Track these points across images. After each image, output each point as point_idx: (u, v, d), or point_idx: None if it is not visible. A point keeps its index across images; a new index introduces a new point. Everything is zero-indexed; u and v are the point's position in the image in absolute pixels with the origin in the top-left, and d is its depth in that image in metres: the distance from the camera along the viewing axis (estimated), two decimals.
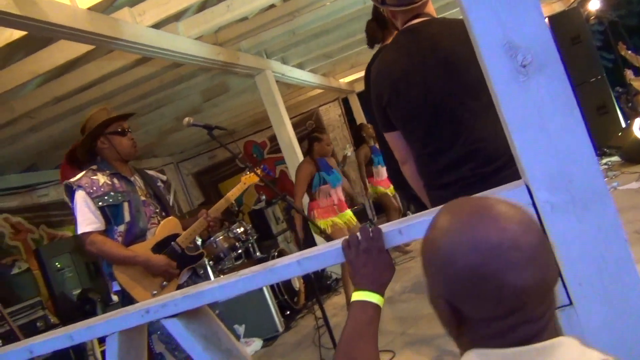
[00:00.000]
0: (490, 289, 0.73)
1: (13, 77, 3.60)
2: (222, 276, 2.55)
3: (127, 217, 2.60)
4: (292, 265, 1.33)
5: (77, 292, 4.73)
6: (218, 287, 1.40)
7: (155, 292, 2.57)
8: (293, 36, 5.17)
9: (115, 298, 4.95)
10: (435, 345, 3.02)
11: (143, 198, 2.72)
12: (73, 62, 3.67)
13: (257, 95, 5.44)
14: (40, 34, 3.00)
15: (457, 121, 1.77)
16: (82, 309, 4.31)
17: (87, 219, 2.53)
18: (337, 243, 1.29)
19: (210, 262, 4.69)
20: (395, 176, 2.87)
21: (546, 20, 7.41)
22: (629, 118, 6.61)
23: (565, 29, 7.16)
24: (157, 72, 4.64)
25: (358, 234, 1.23)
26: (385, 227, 1.27)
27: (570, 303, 1.15)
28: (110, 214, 2.57)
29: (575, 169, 1.14)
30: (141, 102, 5.40)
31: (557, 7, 7.67)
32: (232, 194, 3.00)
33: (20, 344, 1.68)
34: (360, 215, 7.13)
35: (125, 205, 2.61)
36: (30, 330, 4.00)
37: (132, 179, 2.74)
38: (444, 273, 0.78)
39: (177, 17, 3.82)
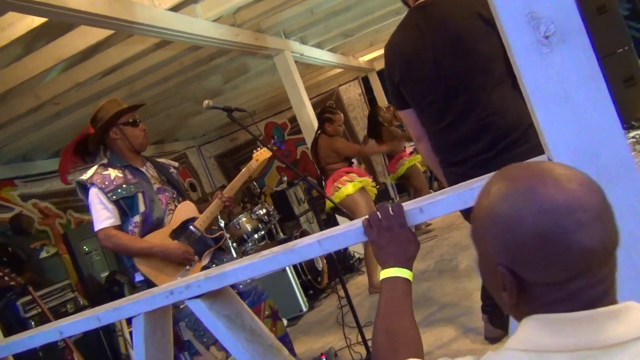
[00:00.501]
0: (558, 250, 0.71)
1: (36, 64, 3.65)
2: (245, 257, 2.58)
3: (142, 208, 2.60)
4: (313, 245, 1.33)
5: (105, 274, 4.83)
6: (240, 267, 1.41)
7: (180, 277, 2.59)
8: (311, 15, 5.13)
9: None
10: (459, 323, 3.02)
11: (158, 185, 2.72)
12: (94, 47, 3.70)
13: (277, 76, 5.43)
14: (60, 20, 3.03)
15: (469, 96, 1.77)
16: (110, 291, 4.40)
17: (101, 215, 2.54)
18: (358, 222, 1.29)
19: (234, 244, 4.74)
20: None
21: None
22: None
23: None
24: (176, 56, 4.65)
25: (378, 212, 1.22)
26: (406, 205, 1.26)
27: None
28: (125, 206, 2.58)
29: (601, 143, 1.11)
30: (162, 85, 5.43)
31: None
32: (244, 172, 3.00)
33: (51, 325, 1.73)
34: (382, 195, 7.12)
35: (140, 195, 2.61)
36: (61, 312, 4.11)
37: (143, 169, 2.73)
38: (507, 238, 0.75)
39: None
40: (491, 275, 0.79)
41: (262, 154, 3.07)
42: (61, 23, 3.21)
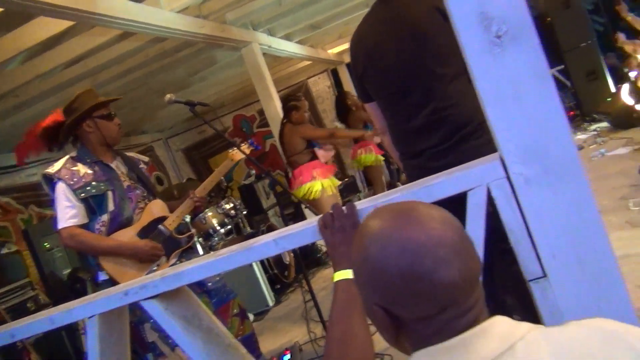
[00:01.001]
0: (423, 287, 0.75)
1: None
2: (211, 252, 2.55)
3: (111, 206, 2.53)
4: (269, 244, 1.32)
5: (67, 271, 4.73)
6: (197, 267, 1.39)
7: (155, 267, 2.57)
8: (279, 7, 5.08)
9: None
10: None
11: (127, 183, 2.65)
12: (55, 38, 3.60)
13: (245, 68, 5.37)
14: (19, 10, 2.93)
15: (427, 88, 1.80)
16: (72, 288, 4.31)
17: (66, 213, 2.45)
18: (314, 221, 1.29)
19: (200, 239, 4.70)
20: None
21: None
22: (619, 83, 6.58)
23: None
24: (140, 47, 4.56)
25: (331, 212, 1.22)
26: (359, 204, 1.26)
27: (544, 275, 1.16)
28: (94, 204, 2.50)
29: (549, 141, 1.13)
30: (127, 77, 5.32)
31: None
32: (219, 171, 2.95)
33: (2, 328, 1.68)
34: (351, 187, 7.13)
35: (109, 194, 2.54)
36: (22, 311, 4.02)
37: (113, 165, 2.66)
38: (376, 279, 0.79)
39: None
40: (372, 314, 0.83)
41: (238, 154, 3.03)
42: (21, 13, 3.11)
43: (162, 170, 9.08)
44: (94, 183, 2.51)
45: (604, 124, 6.57)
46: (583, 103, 7.28)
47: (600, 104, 6.65)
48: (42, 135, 2.59)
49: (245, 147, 3.03)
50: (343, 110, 5.95)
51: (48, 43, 3.69)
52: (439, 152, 1.80)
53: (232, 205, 4.93)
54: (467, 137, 1.74)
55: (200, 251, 4.45)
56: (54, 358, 3.71)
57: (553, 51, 7.42)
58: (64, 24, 3.37)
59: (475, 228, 1.23)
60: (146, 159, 2.93)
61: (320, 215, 1.25)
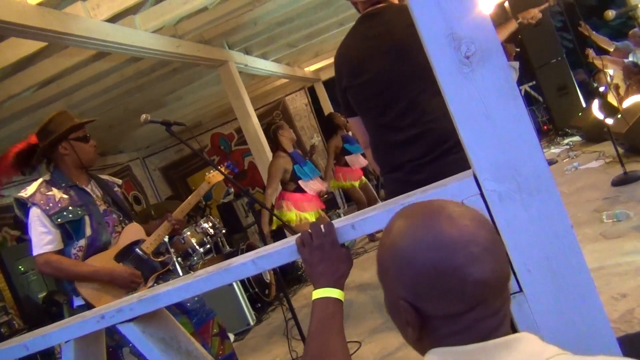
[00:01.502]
0: (454, 283, 0.75)
1: None
2: (191, 272, 2.52)
3: (88, 232, 2.48)
4: (246, 264, 1.32)
5: (42, 295, 4.63)
6: (174, 289, 1.38)
7: (130, 294, 2.45)
8: (255, 26, 5.11)
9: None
10: None
11: (104, 207, 2.61)
12: (28, 59, 3.57)
13: (222, 87, 5.38)
14: None
15: (409, 102, 1.83)
16: (48, 312, 4.22)
17: (42, 239, 2.40)
18: (291, 241, 1.29)
19: (179, 259, 4.64)
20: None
21: (506, 3, 7.48)
22: (589, 98, 6.74)
23: (526, 9, 7.24)
24: (116, 67, 4.54)
25: (309, 230, 1.23)
26: (337, 222, 1.27)
27: (520, 290, 1.17)
28: (70, 229, 2.45)
29: (521, 158, 1.16)
30: (103, 97, 5.29)
31: None
32: (196, 194, 2.93)
33: None
34: (330, 203, 7.15)
35: (86, 218, 2.49)
36: None
37: (88, 188, 2.61)
38: (406, 274, 0.78)
39: (134, 10, 3.73)
40: (396, 310, 0.82)
41: (215, 177, 3.03)
42: None
43: (139, 190, 8.99)
44: (70, 208, 2.46)
45: (577, 138, 6.71)
46: (556, 117, 7.44)
47: (572, 119, 6.80)
48: (15, 160, 2.53)
49: (223, 169, 2.99)
50: (328, 130, 6.03)
51: (20, 64, 3.65)
52: (420, 165, 1.81)
53: (211, 224, 4.90)
54: (449, 150, 1.75)
55: (180, 271, 4.40)
56: None
57: (525, 68, 7.59)
58: (36, 45, 3.34)
59: None
60: (119, 181, 2.87)
61: (299, 234, 1.25)
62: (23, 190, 2.47)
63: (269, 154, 4.77)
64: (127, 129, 7.35)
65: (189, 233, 4.74)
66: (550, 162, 5.92)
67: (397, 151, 1.89)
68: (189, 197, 2.89)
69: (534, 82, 7.59)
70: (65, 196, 2.48)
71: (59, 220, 2.42)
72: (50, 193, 2.47)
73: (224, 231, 5.14)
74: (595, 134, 5.92)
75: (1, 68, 3.45)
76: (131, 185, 8.82)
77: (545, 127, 8.09)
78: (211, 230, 4.85)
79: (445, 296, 0.76)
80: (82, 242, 2.47)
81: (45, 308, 4.33)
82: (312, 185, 4.36)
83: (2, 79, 3.88)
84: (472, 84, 1.16)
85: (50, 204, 2.43)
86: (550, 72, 7.35)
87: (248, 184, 8.85)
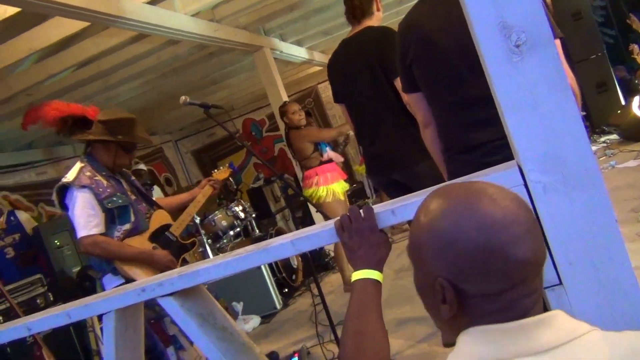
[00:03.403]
0: (496, 262, 0.76)
1: (9, 53, 3.58)
2: (219, 254, 2.60)
3: (132, 217, 2.63)
4: (286, 245, 1.34)
5: (76, 269, 4.76)
6: (213, 266, 1.41)
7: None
8: (291, 12, 5.12)
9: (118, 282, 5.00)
10: (431, 323, 3.05)
11: (133, 197, 2.74)
12: (69, 39, 3.64)
13: (256, 73, 5.42)
14: (35, 11, 2.97)
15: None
16: (81, 286, 4.34)
17: (90, 221, 2.50)
18: (330, 223, 1.30)
19: (209, 240, 4.72)
20: (377, 159, 2.89)
21: None
22: (629, 96, 6.57)
23: (566, 5, 7.09)
24: (154, 49, 4.60)
25: (348, 214, 1.24)
26: (377, 207, 1.28)
27: (560, 282, 1.17)
28: (117, 214, 2.58)
29: (567, 150, 1.14)
30: (139, 79, 5.38)
31: None
32: (194, 206, 3.01)
33: (19, 322, 1.70)
34: (359, 193, 7.15)
35: (130, 206, 2.64)
36: (31, 307, 4.04)
37: (121, 180, 2.75)
38: (448, 253, 0.79)
39: None
40: (430, 289, 0.83)
41: (220, 175, 3.24)
42: (35, 13, 3.15)
43: (171, 172, 9.13)
44: (118, 194, 2.60)
45: (614, 136, 6.56)
46: (593, 115, 7.27)
47: (610, 116, 6.63)
48: (64, 116, 2.61)
49: (226, 169, 3.33)
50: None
51: (62, 43, 3.73)
52: (497, 146, 1.66)
53: (241, 207, 4.95)
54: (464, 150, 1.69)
55: (210, 252, 4.47)
56: (61, 354, 3.73)
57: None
58: (79, 25, 3.41)
59: None
60: (128, 172, 2.96)
61: (337, 218, 1.27)
62: (64, 178, 2.57)
63: None
64: (161, 111, 7.46)
65: (220, 215, 4.80)
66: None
67: (473, 131, 1.76)
68: (190, 207, 2.96)
69: None
70: (110, 183, 2.61)
71: (109, 205, 2.54)
72: (97, 178, 2.57)
73: (254, 215, 5.20)
74: (634, 133, 5.78)
75: (44, 47, 3.53)
76: (163, 167, 8.96)
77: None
78: (242, 214, 4.91)
79: (487, 275, 0.77)
80: (127, 227, 2.61)
81: (79, 282, 4.45)
82: (331, 154, 4.39)
83: (44, 58, 3.96)
84: (521, 73, 1.15)
85: (101, 189, 2.55)
86: (590, 67, 7.16)
87: (278, 170, 8.91)
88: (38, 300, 3.94)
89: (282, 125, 4.63)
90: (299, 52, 6.31)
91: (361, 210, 1.25)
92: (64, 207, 2.59)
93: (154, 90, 6.01)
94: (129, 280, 2.55)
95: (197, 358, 3.01)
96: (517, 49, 1.15)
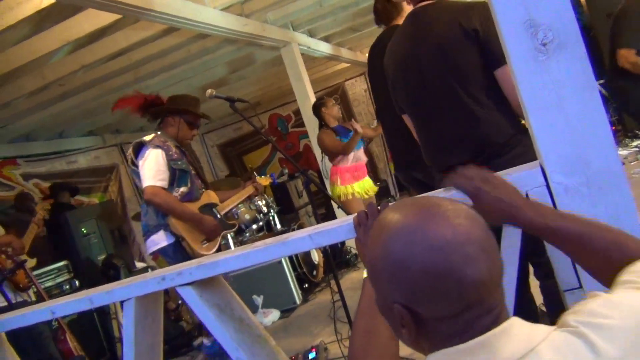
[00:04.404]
0: (450, 285, 0.74)
1: (43, 44, 3.67)
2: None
3: (189, 183, 3.01)
4: (304, 239, 1.35)
5: (101, 257, 4.86)
6: (232, 257, 1.43)
7: (204, 242, 3.02)
8: (320, 8, 5.12)
9: (139, 265, 5.09)
10: None
11: (193, 172, 3.11)
12: (101, 30, 3.71)
13: (283, 68, 5.43)
14: (69, 2, 3.04)
15: (451, 105, 1.75)
16: (106, 274, 4.43)
17: (158, 174, 2.87)
18: (349, 219, 1.30)
19: (232, 234, 4.76)
20: (397, 157, 2.89)
21: None
22: None
23: (601, 4, 6.92)
24: (183, 43, 4.65)
25: (366, 211, 1.24)
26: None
27: (580, 286, 1.15)
28: (178, 176, 2.96)
29: (592, 152, 1.13)
30: (168, 72, 5.44)
31: None
32: (242, 194, 3.54)
33: (43, 305, 1.75)
34: (383, 192, 7.12)
35: (189, 173, 3.04)
36: (58, 292, 4.15)
37: (185, 152, 3.14)
38: (401, 277, 0.77)
39: None
40: (390, 312, 0.80)
41: (263, 181, 3.67)
42: (70, 5, 3.22)
43: (197, 165, 9.23)
44: (183, 159, 3.03)
45: None
46: (626, 118, 7.11)
47: None
48: (143, 103, 3.12)
49: (265, 179, 3.71)
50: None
51: (94, 35, 3.80)
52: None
53: (264, 202, 4.99)
54: (499, 151, 1.70)
55: (232, 245, 4.52)
56: (85, 340, 3.82)
57: (596, 65, 7.26)
58: (111, 17, 3.47)
59: (512, 234, 1.23)
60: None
61: (356, 214, 1.27)
62: (141, 138, 3.01)
63: None
64: None
65: (243, 209, 4.84)
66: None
67: (445, 153, 1.85)
68: (235, 196, 3.47)
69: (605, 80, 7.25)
70: (177, 151, 3.04)
71: (174, 166, 2.95)
72: (168, 144, 3.00)
73: (277, 210, 5.23)
74: None
75: (78, 38, 3.61)
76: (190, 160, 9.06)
77: (614, 128, 7.75)
78: (264, 209, 4.94)
79: (442, 298, 0.75)
80: (183, 189, 2.99)
81: (104, 270, 4.54)
82: (359, 155, 4.37)
83: (77, 49, 4.04)
84: (547, 72, 1.13)
85: (170, 152, 2.97)
86: None
87: (303, 165, 8.92)
88: (64, 286, 4.04)
89: (311, 121, 4.62)
90: (327, 49, 6.31)
91: (378, 207, 1.25)
92: (135, 164, 2.96)
93: (182, 83, 6.07)
94: (178, 238, 2.90)
95: None
96: (543, 48, 1.13)
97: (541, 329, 0.77)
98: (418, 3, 1.88)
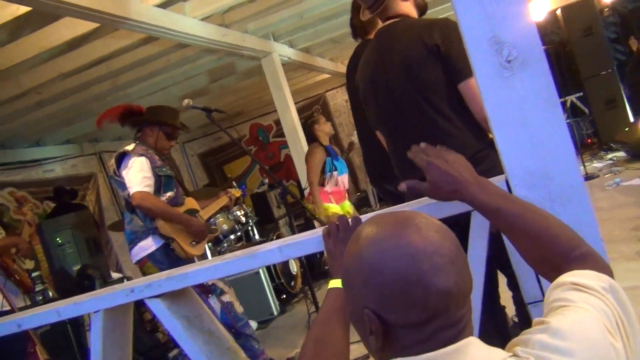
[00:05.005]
0: (417, 292, 0.76)
1: (20, 51, 3.63)
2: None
3: (174, 188, 3.12)
4: (273, 251, 1.35)
5: (76, 267, 4.78)
6: (202, 269, 1.42)
7: (192, 243, 3.09)
8: (301, 19, 5.13)
9: (115, 275, 5.03)
10: None
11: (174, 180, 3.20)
12: (79, 38, 3.68)
13: (264, 78, 5.43)
14: (46, 10, 3.01)
15: (417, 121, 1.78)
16: (80, 285, 4.36)
17: (144, 180, 2.93)
18: (319, 232, 1.31)
19: (209, 243, 4.73)
20: (371, 170, 2.92)
21: (558, 11, 7.31)
22: (638, 114, 6.53)
23: (578, 20, 7.08)
24: (163, 52, 4.64)
25: (337, 223, 1.24)
26: (365, 217, 1.28)
27: (544, 299, 1.16)
28: (164, 182, 3.04)
29: (554, 166, 1.15)
30: (148, 81, 5.41)
31: None
32: (219, 203, 3.66)
33: (9, 318, 1.72)
34: (363, 202, 7.15)
35: (174, 178, 3.16)
36: (30, 303, 4.06)
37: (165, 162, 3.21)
38: (372, 282, 0.79)
39: None
40: (360, 319, 0.83)
41: (234, 195, 3.77)
42: (48, 12, 3.19)
43: (176, 174, 9.17)
44: (167, 167, 3.13)
45: (621, 154, 6.52)
46: (601, 131, 7.24)
47: (618, 133, 6.60)
48: (123, 112, 3.17)
49: (236, 191, 3.82)
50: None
51: (73, 43, 3.77)
52: None
53: (243, 212, 4.97)
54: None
55: (209, 256, 4.48)
56: (58, 352, 3.75)
57: (573, 78, 7.40)
58: (89, 25, 3.44)
59: (478, 248, 1.25)
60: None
61: (325, 226, 1.27)
62: (122, 148, 3.06)
63: (306, 147, 4.77)
64: None
65: (221, 219, 4.82)
66: (591, 177, 5.78)
67: (415, 168, 1.87)
68: (210, 206, 3.58)
69: (581, 94, 7.39)
70: (159, 158, 3.12)
71: (159, 173, 3.03)
72: (150, 152, 3.08)
73: (255, 220, 5.21)
74: None
75: (55, 46, 3.57)
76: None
77: (590, 141, 7.89)
78: (243, 219, 4.92)
79: (409, 306, 0.77)
80: (170, 194, 3.08)
81: (79, 280, 4.47)
82: (344, 179, 4.38)
83: (55, 57, 4.01)
84: (511, 88, 1.16)
85: (154, 159, 3.05)
86: (599, 84, 7.14)
87: (283, 175, 8.93)
88: (37, 298, 3.96)
89: (291, 132, 4.64)
90: (308, 59, 6.33)
91: (349, 220, 1.26)
92: (118, 174, 3.01)
93: (162, 92, 6.04)
94: (167, 240, 2.96)
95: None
96: (508, 64, 1.16)
97: (496, 354, 0.78)
98: (386, 20, 1.90)
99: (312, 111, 8.91)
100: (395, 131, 1.90)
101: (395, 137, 1.92)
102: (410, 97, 1.77)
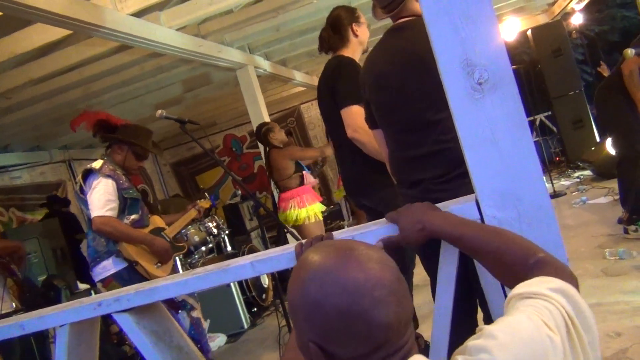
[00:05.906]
0: (360, 327, 0.78)
1: None
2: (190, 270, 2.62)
3: (139, 210, 3.06)
4: (245, 266, 1.34)
5: (42, 278, 4.67)
6: (172, 284, 1.40)
7: (157, 264, 3.07)
8: (277, 32, 5.16)
9: (82, 286, 4.92)
10: None
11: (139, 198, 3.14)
12: (51, 45, 3.63)
13: (239, 89, 5.42)
14: (16, 15, 2.96)
15: (428, 121, 1.77)
16: (46, 296, 4.25)
17: (107, 204, 2.87)
18: (291, 247, 1.31)
19: (180, 255, 4.67)
20: (347, 184, 2.93)
21: (529, 32, 7.50)
22: (604, 134, 6.72)
23: (547, 41, 7.27)
24: (137, 60, 4.60)
25: (311, 240, 1.25)
26: (338, 234, 1.29)
27: None
28: (129, 205, 2.99)
29: (523, 187, 1.18)
30: (121, 89, 5.35)
31: (541, 20, 7.76)
32: (187, 217, 3.64)
33: None
34: (336, 215, 7.16)
35: (140, 201, 3.09)
36: None
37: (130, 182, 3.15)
38: (315, 318, 0.81)
39: (160, 6, 3.80)
40: (305, 350, 0.84)
41: (203, 206, 3.79)
42: (18, 18, 3.14)
43: (148, 184, 9.04)
44: (134, 188, 3.07)
45: (588, 172, 6.69)
46: (568, 150, 7.43)
47: (585, 152, 6.78)
48: (99, 122, 3.14)
49: (205, 202, 3.81)
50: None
51: (44, 49, 3.71)
52: (436, 184, 1.77)
53: (215, 223, 4.92)
54: (467, 172, 1.74)
55: (180, 268, 4.43)
56: None
57: (542, 97, 7.59)
58: (62, 32, 3.39)
59: (448, 265, 1.26)
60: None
61: (299, 242, 1.27)
62: (90, 165, 3.00)
63: None
64: (142, 122, 7.34)
65: (192, 230, 4.76)
66: (559, 194, 5.91)
67: (415, 168, 1.86)
68: (179, 221, 3.56)
69: (550, 113, 7.58)
70: (126, 178, 3.06)
71: (126, 195, 2.97)
72: (118, 172, 3.02)
73: (227, 232, 5.17)
74: (606, 170, 5.90)
75: (26, 51, 3.51)
76: (140, 179, 8.87)
77: (557, 159, 8.09)
78: (215, 230, 4.87)
79: (352, 339, 0.78)
80: (134, 217, 3.02)
81: (44, 291, 4.36)
82: (310, 179, 4.40)
83: (25, 62, 3.94)
84: (482, 110, 1.18)
85: (121, 181, 2.98)
86: (567, 104, 7.34)
87: (256, 187, 8.90)
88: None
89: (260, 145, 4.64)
90: (283, 72, 6.35)
91: (322, 237, 1.26)
92: (82, 192, 2.95)
93: (135, 101, 5.98)
94: (131, 263, 2.91)
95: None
96: (479, 87, 1.19)
97: None
98: (397, 19, 1.89)
99: (287, 123, 8.93)
100: (395, 131, 1.90)
101: (395, 136, 1.91)
102: (424, 97, 1.77)
